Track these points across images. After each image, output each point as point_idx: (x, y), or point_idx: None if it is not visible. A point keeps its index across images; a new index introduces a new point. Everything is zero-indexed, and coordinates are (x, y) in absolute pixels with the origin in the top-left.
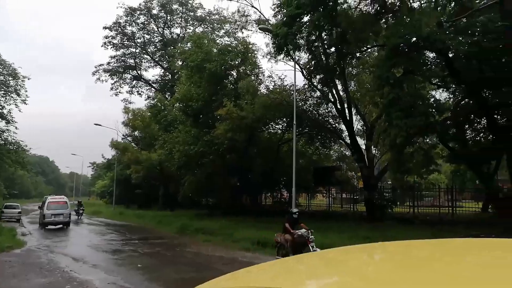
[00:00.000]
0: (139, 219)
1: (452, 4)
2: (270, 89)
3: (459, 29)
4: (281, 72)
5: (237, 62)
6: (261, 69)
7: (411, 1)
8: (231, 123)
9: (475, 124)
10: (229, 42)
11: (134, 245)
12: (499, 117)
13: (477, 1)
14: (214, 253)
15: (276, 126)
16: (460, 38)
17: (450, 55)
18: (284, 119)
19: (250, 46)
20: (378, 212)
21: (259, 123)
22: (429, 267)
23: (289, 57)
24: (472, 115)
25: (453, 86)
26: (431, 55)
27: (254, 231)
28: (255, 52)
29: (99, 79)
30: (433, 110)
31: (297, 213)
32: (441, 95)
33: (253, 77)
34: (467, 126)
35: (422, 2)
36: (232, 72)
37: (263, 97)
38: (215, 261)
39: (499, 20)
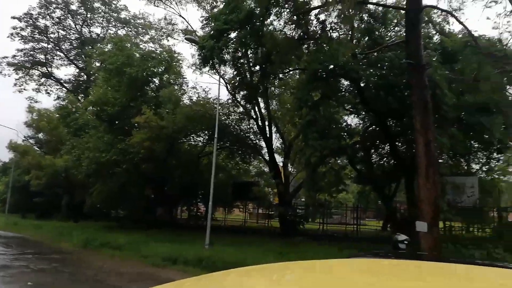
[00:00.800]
0: (37, 230)
1: (366, 39)
2: (194, 100)
3: (370, 61)
4: (206, 84)
5: (160, 70)
6: (185, 79)
7: (330, 31)
8: (149, 131)
9: (380, 150)
10: (153, 49)
11: (26, 260)
12: (400, 144)
13: (387, 38)
14: (119, 269)
15: (198, 139)
16: (371, 70)
17: (362, 85)
18: (206, 131)
19: (176, 55)
20: (291, 227)
21: (180, 133)
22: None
23: (214, 71)
24: (378, 141)
25: (363, 113)
26: (346, 82)
27: (166, 246)
28: (180, 62)
29: (1, 72)
30: (345, 134)
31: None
32: (352, 120)
33: (176, 87)
34: (373, 151)
35: (340, 33)
36: (154, 80)
37: (186, 107)
38: (119, 278)
39: (403, 57)
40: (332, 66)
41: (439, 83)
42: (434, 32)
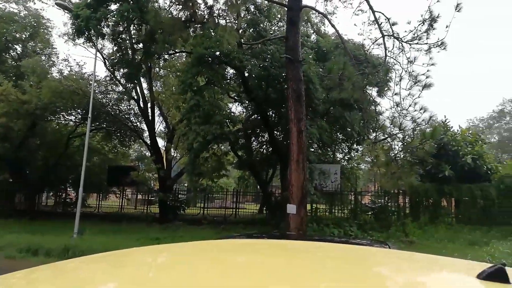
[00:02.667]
0: None
1: (251, 30)
2: (65, 74)
3: (254, 52)
4: (81, 58)
5: (24, 36)
6: (55, 50)
7: (218, 17)
8: (6, 106)
9: (260, 137)
10: (16, 10)
11: None
12: (278, 133)
13: (271, 32)
14: None
15: (68, 117)
16: (254, 61)
17: (246, 74)
18: (79, 110)
19: (44, 21)
20: (171, 213)
21: (45, 110)
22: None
23: (91, 44)
24: (258, 129)
25: (247, 102)
26: (231, 71)
27: (25, 236)
28: (50, 29)
29: None
30: (228, 120)
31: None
32: (236, 108)
33: (43, 57)
34: (254, 138)
35: (228, 21)
36: (16, 47)
37: (54, 82)
38: None
39: (284, 52)
40: (218, 53)
41: (312, 78)
42: (312, 31)
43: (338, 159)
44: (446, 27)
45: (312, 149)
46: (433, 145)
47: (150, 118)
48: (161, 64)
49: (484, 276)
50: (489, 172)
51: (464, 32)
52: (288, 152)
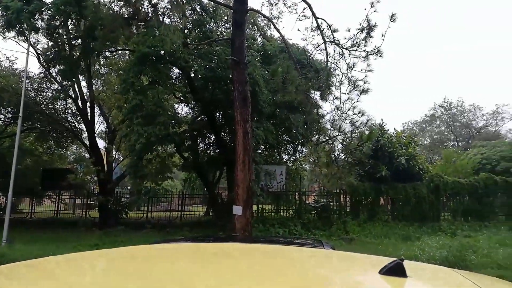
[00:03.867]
0: None
1: (197, 30)
2: None
3: (200, 53)
4: (12, 52)
5: None
6: None
7: (162, 16)
8: None
9: (207, 139)
10: None
11: None
12: (224, 134)
13: (218, 33)
14: None
15: None
16: (200, 62)
17: (192, 75)
18: (9, 109)
19: None
20: (112, 217)
21: None
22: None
23: (23, 38)
24: (205, 131)
25: (193, 102)
26: (177, 70)
27: None
28: None
29: None
30: (173, 121)
31: None
32: (183, 109)
33: None
34: (200, 139)
35: (173, 20)
36: None
37: None
38: None
39: (230, 54)
40: (162, 52)
41: (258, 81)
42: (258, 34)
43: (284, 160)
44: (382, 36)
45: (259, 151)
46: (371, 146)
47: (89, 118)
48: (101, 62)
49: (385, 271)
50: (421, 172)
51: (401, 39)
52: (234, 154)
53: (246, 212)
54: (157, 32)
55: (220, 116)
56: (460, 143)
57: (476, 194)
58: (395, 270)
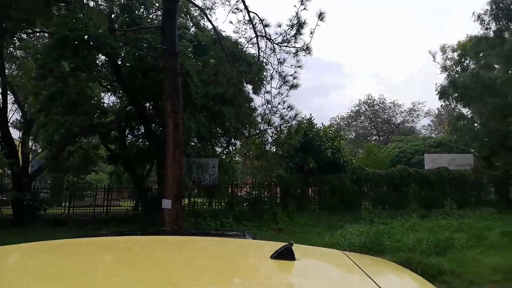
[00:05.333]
0: None
1: (125, 16)
2: None
3: (128, 40)
4: None
5: None
6: None
7: None
8: None
9: (136, 130)
10: None
11: None
12: (155, 126)
13: (149, 20)
14: None
15: None
16: (128, 49)
17: (119, 62)
18: None
19: None
20: (29, 214)
21: None
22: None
23: None
24: (134, 122)
25: (121, 92)
26: (103, 57)
27: None
28: None
29: None
30: (98, 111)
31: None
32: (109, 98)
33: None
34: (128, 131)
35: (98, 3)
36: None
37: None
38: None
39: (160, 42)
40: (86, 37)
41: (190, 72)
42: (191, 24)
43: (218, 153)
44: (311, 33)
45: (193, 143)
46: (300, 140)
47: (1, 105)
48: (16, 44)
49: (275, 255)
50: (345, 164)
51: (330, 35)
52: (165, 146)
53: (176, 206)
54: (80, 15)
55: (151, 107)
56: (381, 137)
57: (393, 185)
58: (285, 254)
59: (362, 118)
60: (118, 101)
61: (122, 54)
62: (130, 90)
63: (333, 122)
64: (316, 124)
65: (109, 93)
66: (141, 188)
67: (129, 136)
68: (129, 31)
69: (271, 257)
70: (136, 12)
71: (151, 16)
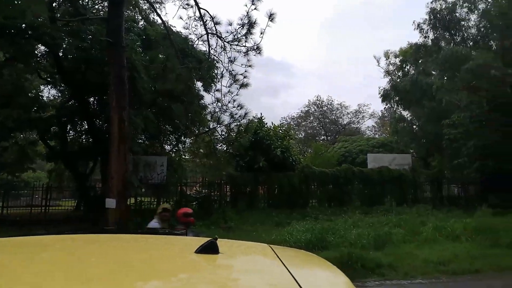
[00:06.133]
0: None
1: (68, 5)
2: None
3: (71, 31)
4: None
5: None
6: None
7: None
8: None
9: (78, 126)
10: None
11: None
12: (100, 122)
13: (94, 11)
14: None
15: None
16: (71, 40)
17: (61, 54)
18: None
19: None
20: None
21: None
22: None
23: None
24: (76, 117)
25: (62, 85)
26: (43, 48)
27: None
28: None
29: None
30: (36, 105)
31: None
32: (50, 91)
33: None
34: (70, 126)
35: None
36: None
37: None
38: None
39: (105, 35)
40: (24, 26)
41: (137, 66)
42: (140, 17)
43: (167, 150)
44: (261, 33)
45: (141, 141)
46: (251, 139)
47: None
48: None
49: (200, 249)
50: (294, 163)
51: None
52: (109, 142)
53: (121, 205)
54: (17, 2)
55: (95, 102)
56: (329, 137)
57: (338, 183)
58: (209, 248)
59: (311, 118)
60: (59, 94)
61: (64, 45)
62: (72, 83)
63: (284, 122)
64: (267, 123)
65: (49, 86)
66: (83, 187)
67: (71, 132)
68: (72, 21)
69: (195, 252)
70: (80, 1)
71: (96, 6)
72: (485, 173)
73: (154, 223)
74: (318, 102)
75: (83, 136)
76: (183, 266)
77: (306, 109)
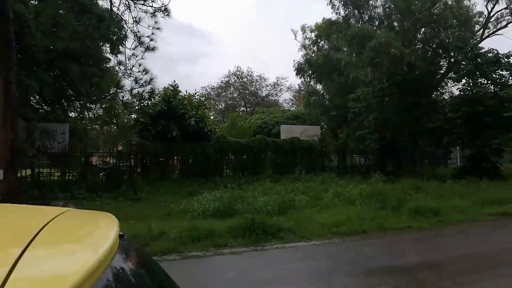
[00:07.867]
0: None
1: None
2: None
3: None
4: None
5: None
6: None
7: None
8: None
9: None
10: None
11: None
12: None
13: None
14: None
15: None
16: None
17: None
18: None
19: None
20: None
21: None
22: None
23: None
24: None
25: None
26: None
27: None
28: None
29: None
30: None
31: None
32: None
33: None
34: None
35: None
36: None
37: None
38: None
39: None
40: None
41: (28, 21)
42: None
43: (73, 117)
44: None
45: (38, 106)
46: (163, 107)
47: None
48: None
49: None
50: (209, 133)
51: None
52: None
53: (9, 176)
54: None
55: None
56: (249, 109)
57: (252, 153)
58: None
59: (232, 89)
60: None
61: None
62: None
63: (204, 91)
64: (181, 91)
65: None
66: None
67: None
68: None
69: None
70: None
71: None
72: (383, 144)
73: None
74: (238, 73)
75: None
76: None
77: (227, 79)
